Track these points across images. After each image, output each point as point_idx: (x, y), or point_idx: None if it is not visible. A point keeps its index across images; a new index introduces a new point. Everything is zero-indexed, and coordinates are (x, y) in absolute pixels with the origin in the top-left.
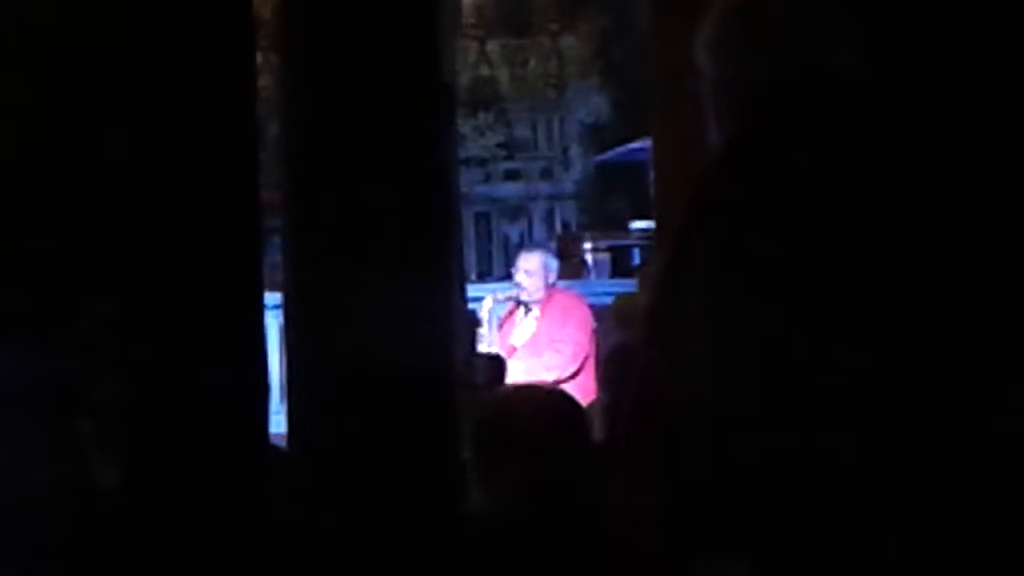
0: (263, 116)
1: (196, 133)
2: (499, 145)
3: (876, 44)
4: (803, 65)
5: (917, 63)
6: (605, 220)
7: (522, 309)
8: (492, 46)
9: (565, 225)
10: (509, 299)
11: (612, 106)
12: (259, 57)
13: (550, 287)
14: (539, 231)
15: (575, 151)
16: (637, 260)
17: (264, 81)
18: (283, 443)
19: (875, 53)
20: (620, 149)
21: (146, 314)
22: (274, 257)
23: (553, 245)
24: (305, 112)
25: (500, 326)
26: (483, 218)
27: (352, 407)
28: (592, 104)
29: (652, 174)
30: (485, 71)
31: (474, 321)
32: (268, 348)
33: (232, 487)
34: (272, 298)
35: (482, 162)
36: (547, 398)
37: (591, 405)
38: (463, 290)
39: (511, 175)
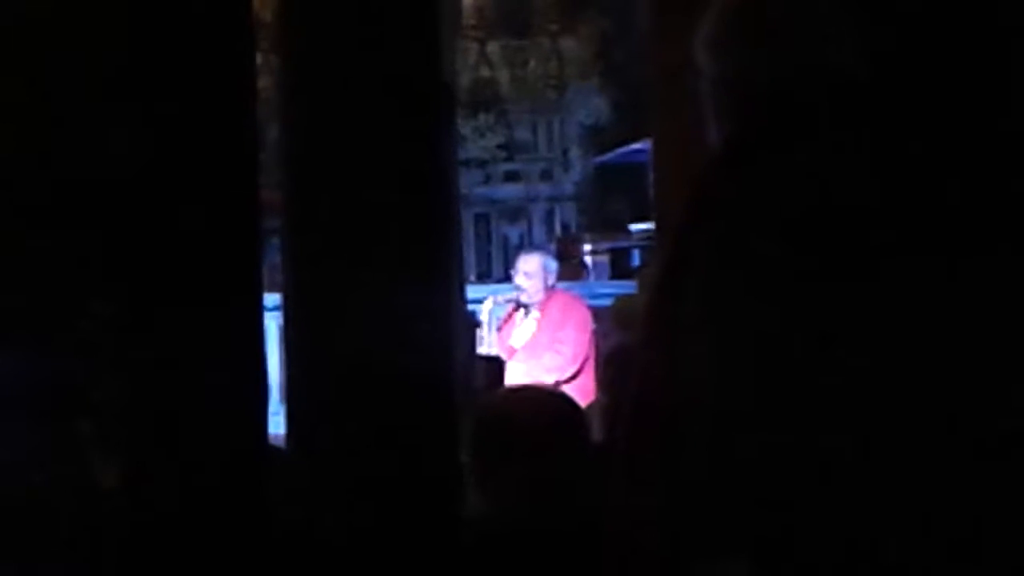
0: (263, 117)
1: (196, 134)
2: (499, 146)
3: (876, 44)
4: (803, 65)
5: (917, 63)
6: (605, 221)
7: (521, 311)
8: (492, 47)
9: (565, 226)
10: (509, 301)
11: (612, 107)
12: (259, 58)
13: (550, 289)
14: (539, 232)
15: (575, 152)
16: (637, 261)
17: (264, 82)
18: (282, 444)
19: (875, 53)
20: (620, 150)
21: (146, 314)
22: (274, 258)
23: (553, 246)
24: (305, 113)
25: (499, 328)
26: (483, 219)
27: (351, 408)
28: (592, 105)
29: (652, 175)
30: (485, 72)
31: (474, 322)
32: (267, 349)
33: (232, 487)
34: (272, 299)
35: (482, 163)
36: (546, 399)
37: (590, 406)
38: (463, 291)
39: (511, 176)
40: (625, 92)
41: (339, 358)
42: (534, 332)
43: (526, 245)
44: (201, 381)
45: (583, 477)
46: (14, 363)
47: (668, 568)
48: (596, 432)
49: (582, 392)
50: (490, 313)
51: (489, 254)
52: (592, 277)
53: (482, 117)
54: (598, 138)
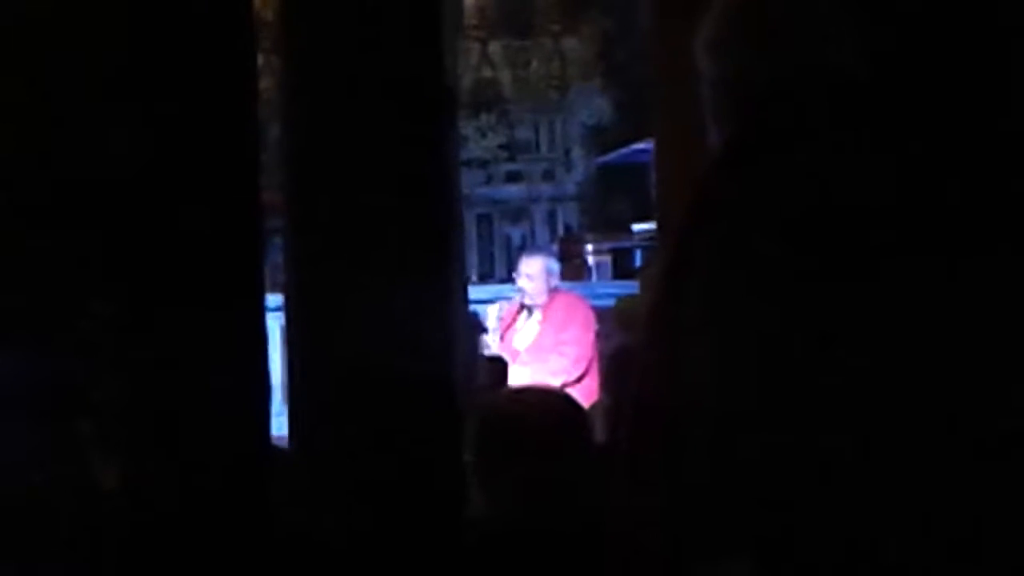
0: (264, 118)
1: (197, 134)
2: (501, 147)
3: (876, 44)
4: (803, 65)
5: (917, 63)
6: (607, 222)
7: (524, 312)
8: (494, 47)
9: (567, 227)
10: (512, 304)
11: (614, 108)
12: (260, 59)
13: (552, 290)
14: (541, 233)
15: (577, 153)
16: (639, 262)
17: (265, 83)
18: (285, 445)
19: (875, 53)
20: (622, 151)
21: (146, 314)
22: (275, 258)
23: (555, 247)
24: (306, 114)
25: (503, 331)
26: (485, 220)
27: (353, 409)
28: (594, 106)
29: (654, 176)
30: (487, 73)
31: (476, 324)
32: (270, 349)
33: (234, 488)
34: (273, 300)
35: (484, 164)
36: (548, 400)
37: (593, 407)
38: (465, 292)
39: (513, 177)
40: (627, 92)
41: (341, 359)
42: (537, 334)
43: (528, 245)
44: (203, 381)
45: (585, 478)
46: (14, 363)
47: (670, 568)
48: (599, 433)
49: (585, 392)
50: (497, 319)
51: (491, 254)
52: (594, 277)
53: (484, 117)
54: (600, 138)
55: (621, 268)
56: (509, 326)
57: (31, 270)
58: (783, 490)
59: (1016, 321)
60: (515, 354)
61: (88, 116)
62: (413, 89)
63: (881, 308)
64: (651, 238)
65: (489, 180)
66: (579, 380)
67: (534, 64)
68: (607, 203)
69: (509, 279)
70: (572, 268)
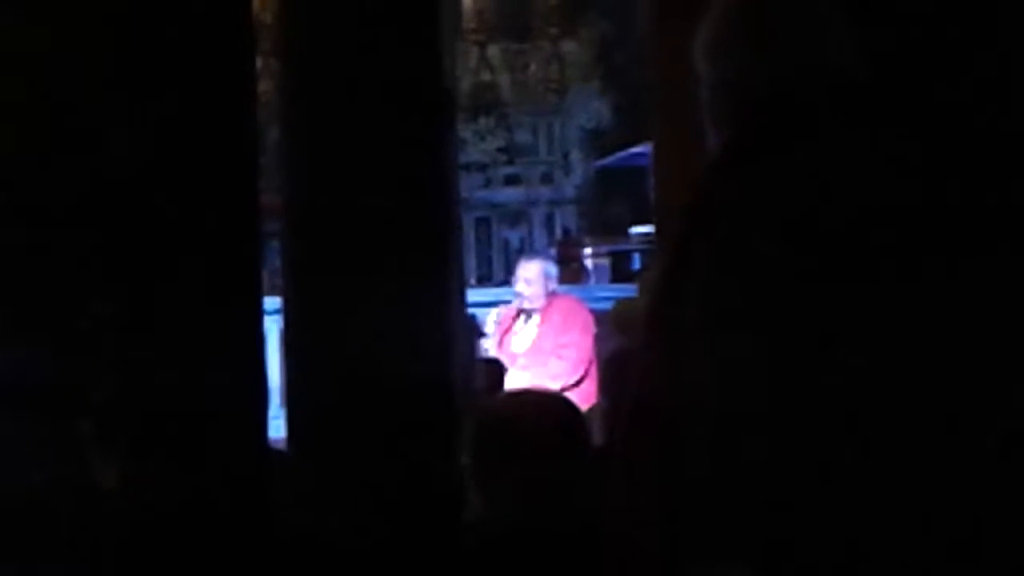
0: (263, 121)
1: (196, 137)
2: (500, 150)
3: (875, 44)
4: (803, 65)
5: (917, 63)
6: (605, 225)
7: (522, 316)
8: (493, 51)
9: (565, 230)
10: (510, 308)
11: (612, 111)
12: (259, 61)
13: (550, 294)
14: (539, 236)
15: (575, 156)
16: (637, 265)
17: (264, 86)
18: (283, 447)
19: (874, 53)
20: (620, 154)
21: (146, 314)
22: (274, 261)
23: (553, 250)
24: (305, 117)
25: (500, 336)
26: (483, 223)
27: (351, 411)
28: (592, 109)
29: (652, 179)
30: (486, 76)
31: (474, 327)
32: (268, 352)
33: (233, 489)
34: (272, 302)
35: (483, 167)
36: (546, 403)
37: (592, 410)
38: (463, 295)
39: (511, 180)
40: (626, 95)
41: (339, 361)
42: (536, 337)
43: (527, 249)
44: (201, 382)
45: (583, 480)
46: (14, 363)
47: (668, 570)
48: (597, 435)
49: (584, 395)
50: (494, 324)
51: (490, 258)
52: (593, 280)
53: (482, 121)
54: (599, 141)
55: (619, 271)
56: (507, 330)
57: (31, 270)
58: (781, 491)
59: (1016, 321)
60: (513, 358)
61: (88, 118)
62: (412, 92)
63: (880, 308)
64: (649, 241)
65: (488, 183)
66: (578, 384)
67: (532, 67)
68: (605, 206)
69: (507, 282)
70: (570, 271)
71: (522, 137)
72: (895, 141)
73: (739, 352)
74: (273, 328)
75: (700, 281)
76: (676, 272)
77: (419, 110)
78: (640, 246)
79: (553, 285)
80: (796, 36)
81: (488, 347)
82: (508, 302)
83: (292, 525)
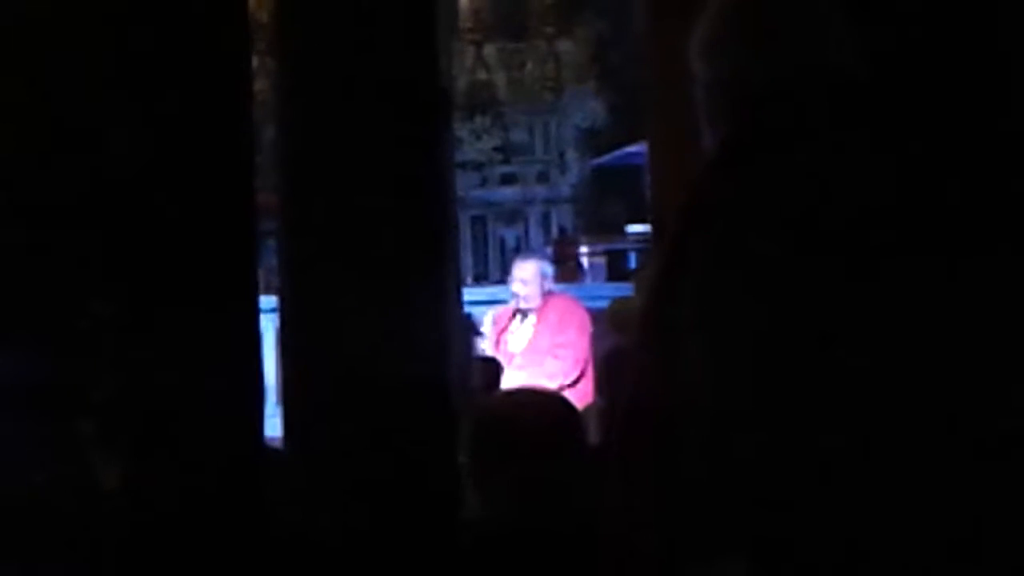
0: (259, 120)
1: (192, 136)
2: (496, 149)
3: (874, 44)
4: (800, 65)
5: (917, 63)
6: (601, 224)
7: (518, 316)
8: (489, 50)
9: (561, 229)
10: (507, 309)
11: (608, 110)
12: (255, 60)
13: (546, 293)
14: (535, 235)
15: (571, 155)
16: (633, 264)
17: (260, 85)
18: (279, 446)
19: (873, 53)
20: (616, 153)
21: (146, 314)
22: (270, 260)
23: (549, 249)
24: (301, 116)
25: (497, 336)
26: (479, 222)
27: (348, 409)
28: (588, 108)
29: (648, 178)
30: (482, 75)
31: (471, 325)
32: (264, 351)
33: (229, 488)
34: (268, 301)
35: (479, 166)
36: (543, 402)
37: (588, 409)
38: (459, 293)
39: (507, 179)
40: (621, 95)
41: (335, 360)
42: (531, 337)
43: (523, 247)
44: (199, 382)
45: (580, 479)
46: (14, 363)
47: (664, 569)
48: (593, 434)
49: (581, 395)
50: (492, 325)
51: (486, 256)
52: (589, 279)
53: (478, 120)
54: (595, 141)
55: (615, 270)
56: (503, 330)
57: (31, 270)
58: (778, 490)
59: (1016, 321)
60: (510, 357)
61: (84, 117)
62: (408, 91)
63: (878, 308)
64: (645, 240)
65: (484, 182)
66: (575, 383)
67: (529, 66)
68: (601, 205)
69: (503, 281)
70: (566, 270)
71: (518, 136)
72: (894, 141)
73: (735, 351)
74: (269, 327)
75: (696, 280)
76: (672, 271)
77: (415, 109)
78: (636, 245)
79: (549, 284)
80: (794, 35)
81: (485, 347)
82: (504, 301)
83: (289, 523)
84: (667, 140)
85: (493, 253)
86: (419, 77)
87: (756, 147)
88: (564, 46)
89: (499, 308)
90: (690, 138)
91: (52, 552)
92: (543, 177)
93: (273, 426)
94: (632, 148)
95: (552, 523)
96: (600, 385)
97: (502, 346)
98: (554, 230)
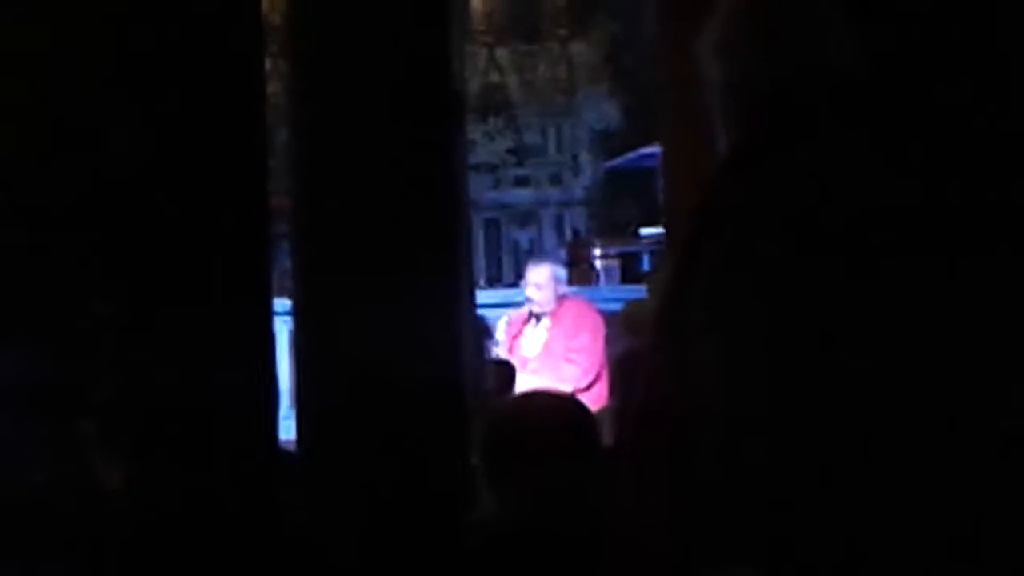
0: (272, 122)
1: (205, 138)
2: (509, 151)
3: (876, 44)
4: (804, 66)
5: (917, 63)
6: (615, 226)
7: (532, 319)
8: (502, 52)
9: (575, 231)
10: (520, 313)
11: (622, 112)
12: (268, 63)
13: (560, 297)
14: (549, 237)
15: (585, 157)
16: (647, 266)
17: (273, 87)
18: (292, 448)
19: (875, 53)
20: (630, 155)
21: (149, 315)
22: (283, 263)
23: (562, 252)
24: (314, 118)
25: (511, 340)
26: (493, 224)
27: (361, 412)
28: (602, 110)
29: (662, 180)
30: (495, 77)
31: (484, 328)
32: (277, 353)
33: (241, 490)
34: (282, 304)
35: (492, 168)
36: (557, 404)
37: (602, 411)
38: (472, 296)
39: (521, 181)
40: (635, 97)
41: (349, 362)
42: (546, 341)
43: (536, 250)
44: (207, 382)
45: (593, 481)
46: (14, 363)
47: (676, 573)
48: (607, 437)
49: (595, 398)
50: (506, 329)
51: (499, 259)
52: (602, 282)
53: (492, 122)
54: (608, 143)
55: (629, 272)
56: (517, 334)
57: (31, 270)
58: (789, 493)
59: (1016, 321)
60: (524, 362)
61: (93, 117)
62: (421, 94)
63: (887, 309)
64: (659, 242)
65: (497, 184)
66: (589, 387)
67: (541, 69)
68: (615, 207)
69: (517, 283)
70: (580, 272)
71: (531, 138)
72: (895, 141)
73: (745, 354)
74: (283, 329)
75: (706, 283)
76: (684, 274)
77: (428, 111)
78: (649, 247)
79: (563, 288)
80: (797, 37)
81: (499, 352)
82: (518, 303)
83: (301, 526)
84: (681, 142)
85: (506, 255)
86: (432, 79)
87: (764, 150)
88: (577, 48)
89: (512, 312)
90: (704, 140)
91: (52, 552)
92: (556, 179)
93: (287, 429)
94: (646, 150)
95: (565, 525)
96: (613, 387)
97: (516, 350)
98: (567, 232)
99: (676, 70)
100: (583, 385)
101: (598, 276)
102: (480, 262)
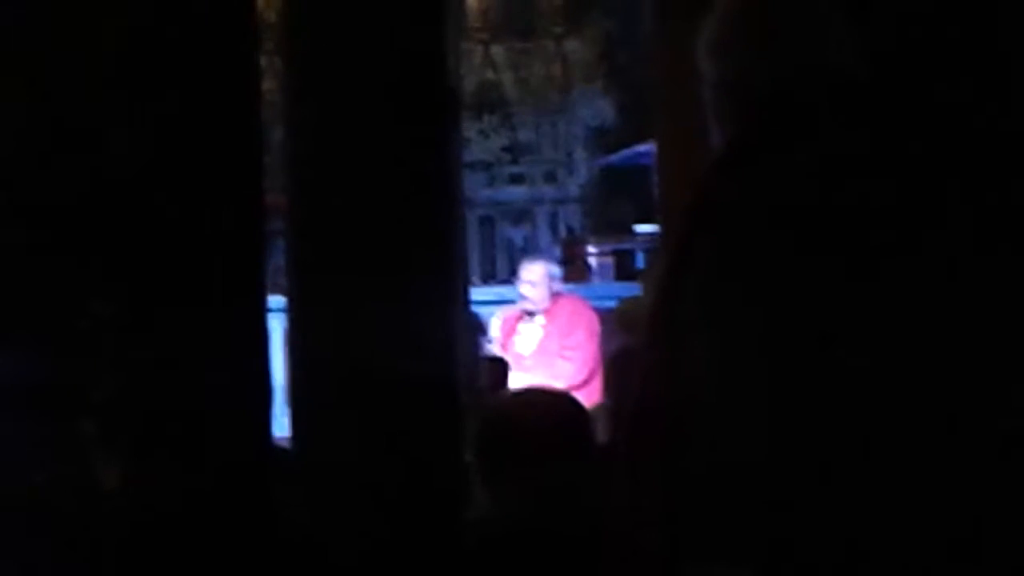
0: (267, 120)
1: (200, 136)
2: (504, 149)
3: (876, 44)
4: (803, 65)
5: (916, 63)
6: (609, 224)
7: (526, 317)
8: (497, 50)
9: (569, 229)
10: (514, 310)
11: (616, 110)
12: (263, 60)
13: (554, 294)
14: (543, 235)
15: (579, 155)
16: (641, 263)
17: (268, 85)
18: (286, 446)
19: (875, 53)
20: (624, 152)
21: (146, 314)
22: (278, 260)
23: (557, 249)
24: (309, 116)
25: (504, 338)
26: (487, 222)
27: (355, 410)
28: (596, 108)
29: (656, 177)
30: (490, 75)
31: (478, 325)
32: (272, 351)
33: (236, 488)
34: (276, 301)
35: (487, 166)
36: (551, 401)
37: (596, 408)
38: (467, 293)
39: (515, 179)
40: (629, 94)
41: (343, 360)
42: (541, 339)
43: (531, 247)
44: (203, 381)
45: (588, 479)
46: (14, 363)
47: (669, 570)
48: (602, 434)
49: (589, 395)
50: (500, 327)
51: (493, 256)
52: (596, 279)
53: (486, 119)
54: (603, 140)
55: (623, 270)
56: (511, 332)
57: (31, 270)
58: (784, 491)
59: (1016, 321)
60: (519, 359)
61: (89, 117)
62: (416, 91)
63: (882, 308)
64: (653, 240)
65: (492, 182)
66: (584, 384)
67: (536, 66)
68: (609, 205)
69: (511, 281)
70: (574, 270)
71: (526, 136)
72: (895, 141)
73: (739, 351)
74: (277, 327)
75: (701, 280)
76: (679, 271)
77: (424, 109)
78: (644, 245)
79: (557, 286)
80: (796, 36)
81: (493, 349)
82: (512, 300)
83: (296, 524)
84: (675, 139)
85: (501, 253)
86: (428, 77)
87: (760, 148)
88: (572, 46)
89: (507, 309)
90: (698, 137)
91: (52, 552)
92: (551, 177)
93: (281, 426)
94: (640, 147)
95: (560, 523)
96: (608, 385)
97: (511, 348)
98: (562, 230)
99: (671, 67)
100: (578, 382)
101: (592, 273)
102: (474, 259)
